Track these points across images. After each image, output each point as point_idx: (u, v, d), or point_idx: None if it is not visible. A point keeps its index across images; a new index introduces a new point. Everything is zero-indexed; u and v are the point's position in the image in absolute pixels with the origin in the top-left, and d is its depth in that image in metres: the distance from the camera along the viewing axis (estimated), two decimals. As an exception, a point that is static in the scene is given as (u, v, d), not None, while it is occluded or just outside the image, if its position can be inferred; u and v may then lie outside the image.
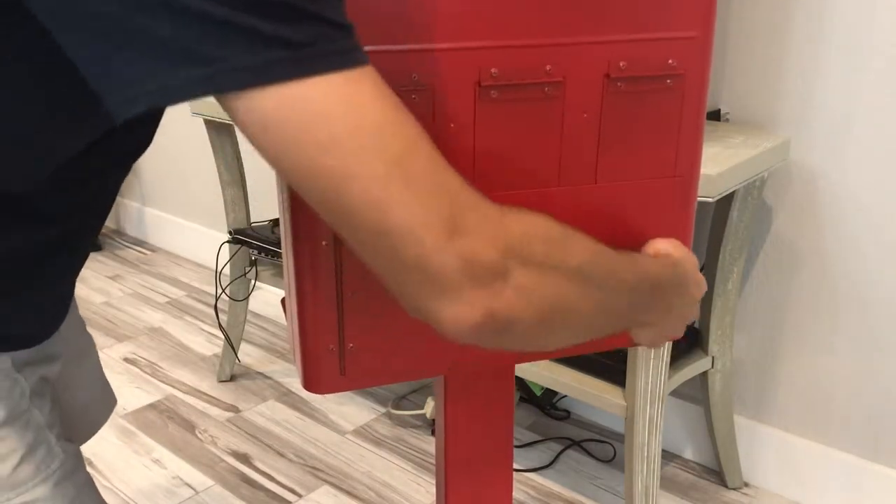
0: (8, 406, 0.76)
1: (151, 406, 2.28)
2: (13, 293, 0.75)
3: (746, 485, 1.92)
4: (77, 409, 0.96)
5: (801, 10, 1.60)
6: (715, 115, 1.74)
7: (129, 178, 3.47)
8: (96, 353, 1.05)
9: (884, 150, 1.57)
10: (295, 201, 0.75)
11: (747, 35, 1.68)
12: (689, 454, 2.02)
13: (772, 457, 1.88)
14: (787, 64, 1.65)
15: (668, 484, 1.92)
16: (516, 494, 1.92)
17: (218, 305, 2.31)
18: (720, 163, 1.44)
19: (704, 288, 0.82)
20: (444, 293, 0.54)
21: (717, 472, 1.93)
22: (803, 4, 1.60)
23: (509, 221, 0.59)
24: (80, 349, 0.98)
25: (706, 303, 1.74)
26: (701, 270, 1.73)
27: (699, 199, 1.38)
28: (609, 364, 1.65)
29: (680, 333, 0.83)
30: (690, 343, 1.77)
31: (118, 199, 3.56)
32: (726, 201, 1.63)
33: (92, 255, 3.32)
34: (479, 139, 0.76)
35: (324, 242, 0.76)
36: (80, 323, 1.01)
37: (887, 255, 1.61)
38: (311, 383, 0.82)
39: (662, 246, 0.80)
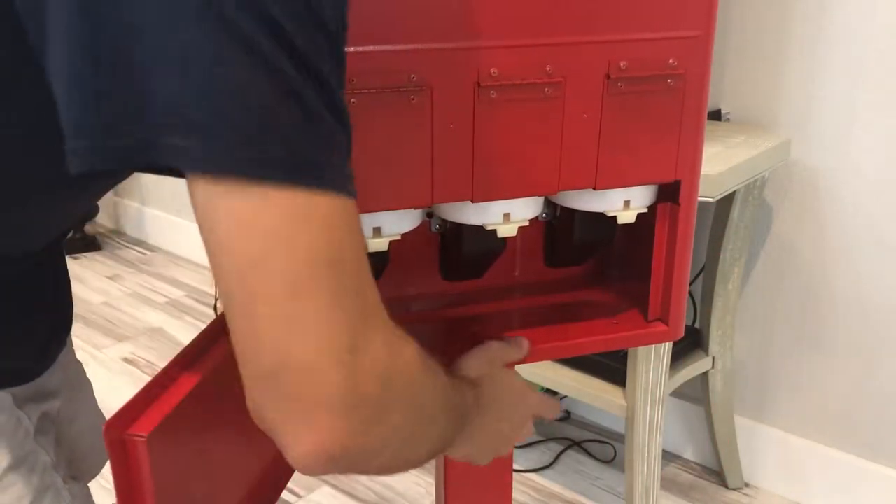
0: (13, 448, 0.70)
1: (151, 406, 2.27)
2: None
3: (747, 485, 1.92)
4: (83, 443, 0.89)
5: (801, 10, 1.60)
6: (715, 115, 1.74)
7: (129, 178, 3.46)
8: (88, 380, 0.96)
9: (884, 150, 1.57)
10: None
11: (748, 35, 1.68)
12: (689, 454, 2.01)
13: (772, 457, 1.87)
14: (788, 64, 1.64)
15: (668, 484, 1.92)
16: (517, 495, 1.92)
17: (217, 305, 2.31)
18: (721, 162, 1.44)
19: (536, 410, 0.79)
20: (307, 416, 0.50)
21: (718, 473, 1.93)
22: (803, 4, 1.60)
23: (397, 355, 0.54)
24: (78, 379, 0.92)
25: (707, 303, 1.74)
26: (701, 271, 1.74)
27: (700, 198, 1.38)
28: (609, 364, 1.65)
29: (502, 453, 0.78)
30: (691, 343, 1.77)
31: (117, 199, 3.55)
32: (727, 201, 1.63)
33: (91, 256, 3.32)
34: (478, 140, 0.76)
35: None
36: (73, 351, 0.97)
37: (888, 255, 1.61)
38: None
39: (471, 364, 0.76)
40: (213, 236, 0.49)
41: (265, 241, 0.48)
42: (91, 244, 3.38)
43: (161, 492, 0.59)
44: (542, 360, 1.44)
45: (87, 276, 3.12)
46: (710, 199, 1.42)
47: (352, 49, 0.69)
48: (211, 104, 0.47)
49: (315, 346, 0.48)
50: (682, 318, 0.91)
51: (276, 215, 0.48)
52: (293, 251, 0.48)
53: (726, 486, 1.91)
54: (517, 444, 2.01)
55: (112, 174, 0.53)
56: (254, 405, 0.52)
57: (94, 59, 0.47)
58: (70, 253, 3.10)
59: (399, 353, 0.54)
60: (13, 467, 0.70)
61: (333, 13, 0.50)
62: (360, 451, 0.52)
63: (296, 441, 0.50)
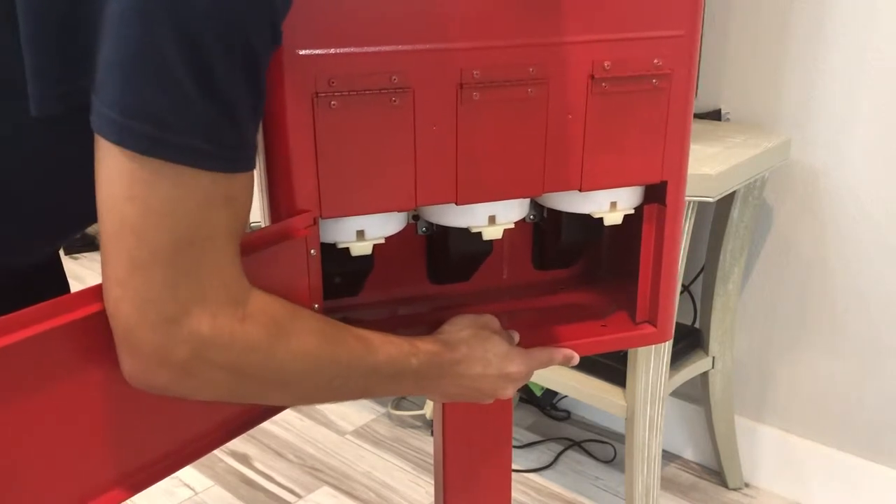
0: None
1: (153, 406, 2.28)
2: None
3: (747, 485, 1.91)
4: None
5: (801, 10, 1.59)
6: (715, 115, 1.73)
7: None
8: None
9: (885, 150, 1.56)
10: (273, 210, 0.74)
11: (747, 35, 1.67)
12: (689, 454, 2.00)
13: (772, 457, 1.87)
14: (788, 64, 1.63)
15: (668, 484, 1.91)
16: (517, 495, 1.91)
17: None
18: (721, 162, 1.43)
19: (516, 376, 0.83)
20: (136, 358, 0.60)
21: (718, 473, 1.92)
22: (803, 4, 1.59)
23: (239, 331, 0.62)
24: None
25: (707, 303, 1.73)
26: (701, 271, 1.73)
27: (700, 198, 1.37)
28: (609, 364, 1.64)
29: (483, 402, 0.84)
30: (691, 343, 1.76)
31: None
32: (727, 201, 1.62)
33: (91, 255, 3.32)
34: (461, 142, 0.75)
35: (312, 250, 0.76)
36: None
37: (888, 255, 1.60)
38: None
39: (448, 326, 0.83)
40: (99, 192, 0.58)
41: (128, 216, 0.56)
42: (91, 244, 3.38)
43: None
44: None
45: (86, 276, 3.12)
46: (710, 199, 1.41)
47: (332, 51, 0.69)
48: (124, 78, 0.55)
49: (138, 310, 0.58)
50: (671, 320, 0.90)
51: (154, 194, 0.56)
52: (144, 235, 0.56)
53: (726, 486, 1.90)
54: (518, 445, 2.01)
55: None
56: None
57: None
58: (70, 253, 3.09)
59: (230, 334, 0.61)
60: None
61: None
62: (173, 392, 0.62)
63: (122, 365, 0.61)
